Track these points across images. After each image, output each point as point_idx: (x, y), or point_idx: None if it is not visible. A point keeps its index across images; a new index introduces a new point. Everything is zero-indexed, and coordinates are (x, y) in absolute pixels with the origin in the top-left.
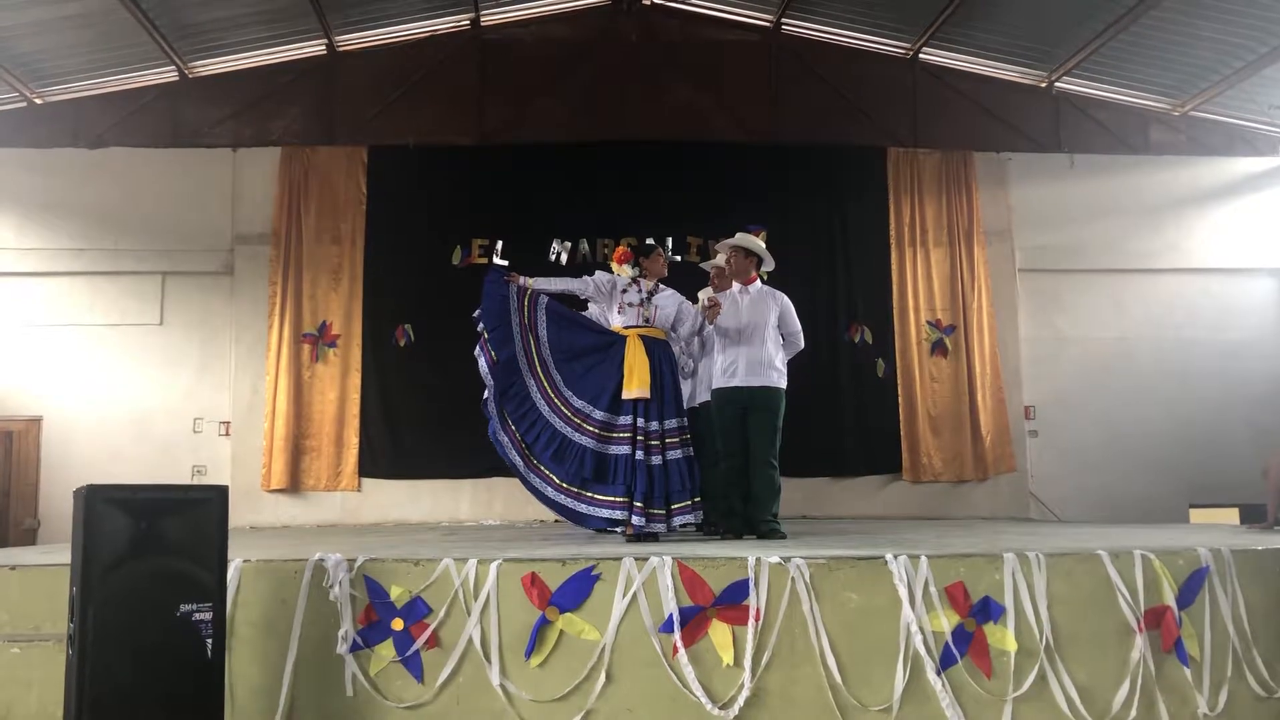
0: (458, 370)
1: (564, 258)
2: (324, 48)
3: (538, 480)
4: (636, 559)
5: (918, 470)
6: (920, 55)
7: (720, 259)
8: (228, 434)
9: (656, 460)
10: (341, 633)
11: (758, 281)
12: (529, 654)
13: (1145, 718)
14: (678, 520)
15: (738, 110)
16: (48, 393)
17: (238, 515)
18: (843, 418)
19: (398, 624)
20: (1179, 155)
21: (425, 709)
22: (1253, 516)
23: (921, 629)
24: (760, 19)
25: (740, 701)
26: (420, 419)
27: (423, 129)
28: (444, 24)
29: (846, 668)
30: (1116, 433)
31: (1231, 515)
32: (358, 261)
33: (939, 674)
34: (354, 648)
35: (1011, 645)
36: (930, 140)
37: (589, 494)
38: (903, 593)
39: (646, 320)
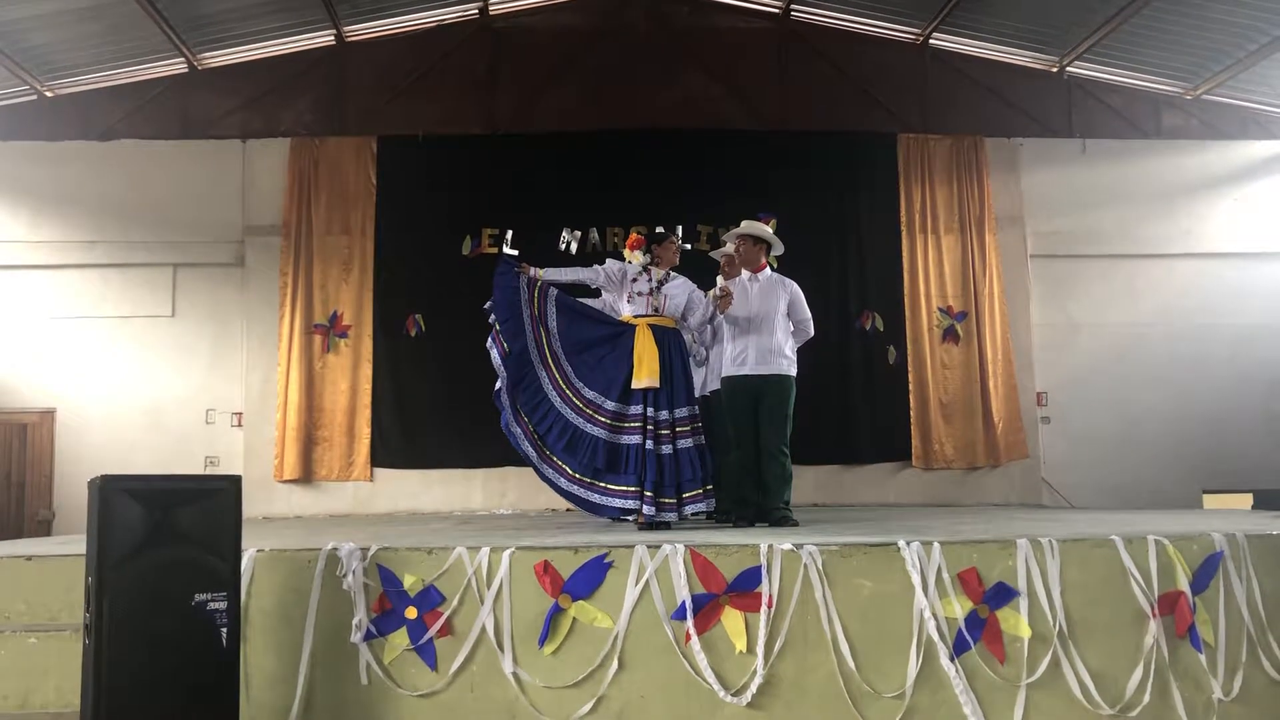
0: (469, 360)
1: (574, 246)
2: (333, 38)
3: (551, 471)
4: (649, 547)
5: (929, 457)
6: (931, 40)
7: (729, 247)
8: (240, 425)
9: (667, 449)
10: (355, 621)
11: (767, 269)
12: (542, 642)
13: (1159, 703)
14: (689, 509)
15: (747, 98)
16: (61, 385)
17: (250, 506)
18: (854, 405)
19: (411, 612)
20: (1191, 139)
21: (439, 697)
22: (1266, 502)
23: (935, 615)
24: (770, 6)
25: (753, 688)
26: (432, 409)
27: (432, 119)
28: (452, 13)
29: (859, 654)
30: (1129, 418)
31: (1245, 501)
32: (368, 252)
33: (952, 660)
34: (368, 636)
35: (1025, 631)
36: (941, 126)
37: (602, 484)
38: (915, 579)
39: (656, 309)
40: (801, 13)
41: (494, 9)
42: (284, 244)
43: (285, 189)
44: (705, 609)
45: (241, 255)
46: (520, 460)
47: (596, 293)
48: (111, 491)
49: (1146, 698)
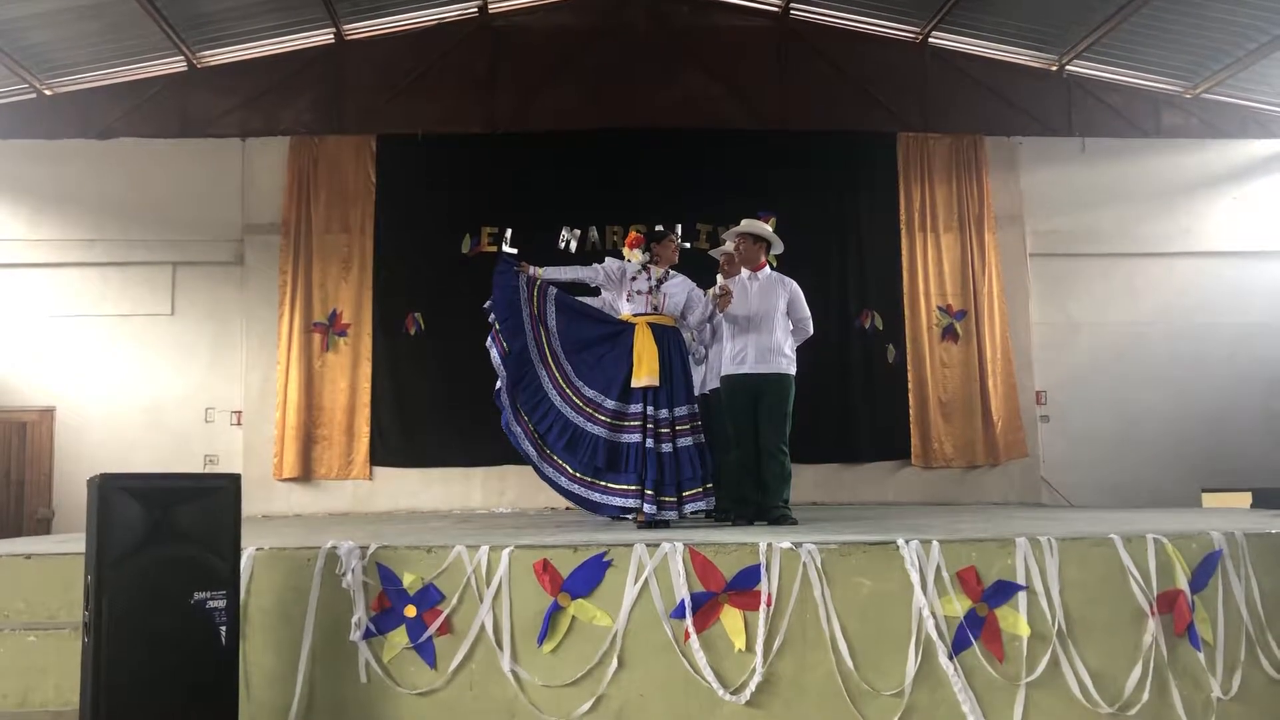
0: (468, 358)
1: (573, 245)
2: (332, 36)
3: (551, 470)
4: (648, 545)
5: (929, 456)
6: (930, 39)
7: (729, 246)
8: (239, 423)
9: (667, 448)
10: (355, 620)
11: (767, 268)
12: (541, 640)
13: (1158, 702)
14: (689, 507)
15: (747, 97)
16: (60, 383)
17: (250, 504)
18: (853, 404)
19: (410, 611)
20: (1191, 138)
21: (438, 695)
22: (1265, 501)
23: (934, 614)
24: (769, 5)
25: (752, 687)
26: (431, 407)
27: (431, 117)
28: (451, 12)
29: (858, 653)
30: (1128, 417)
31: (1244, 499)
32: (367, 250)
33: (951, 659)
34: (367, 635)
35: (1024, 630)
36: (941, 125)
37: (602, 483)
38: (915, 578)
39: (655, 308)
40: (801, 12)
41: (493, 8)
42: (283, 242)
43: (285, 187)
44: (704, 607)
45: (241, 254)
46: (519, 459)
47: (596, 291)
48: (111, 490)
49: (1145, 696)
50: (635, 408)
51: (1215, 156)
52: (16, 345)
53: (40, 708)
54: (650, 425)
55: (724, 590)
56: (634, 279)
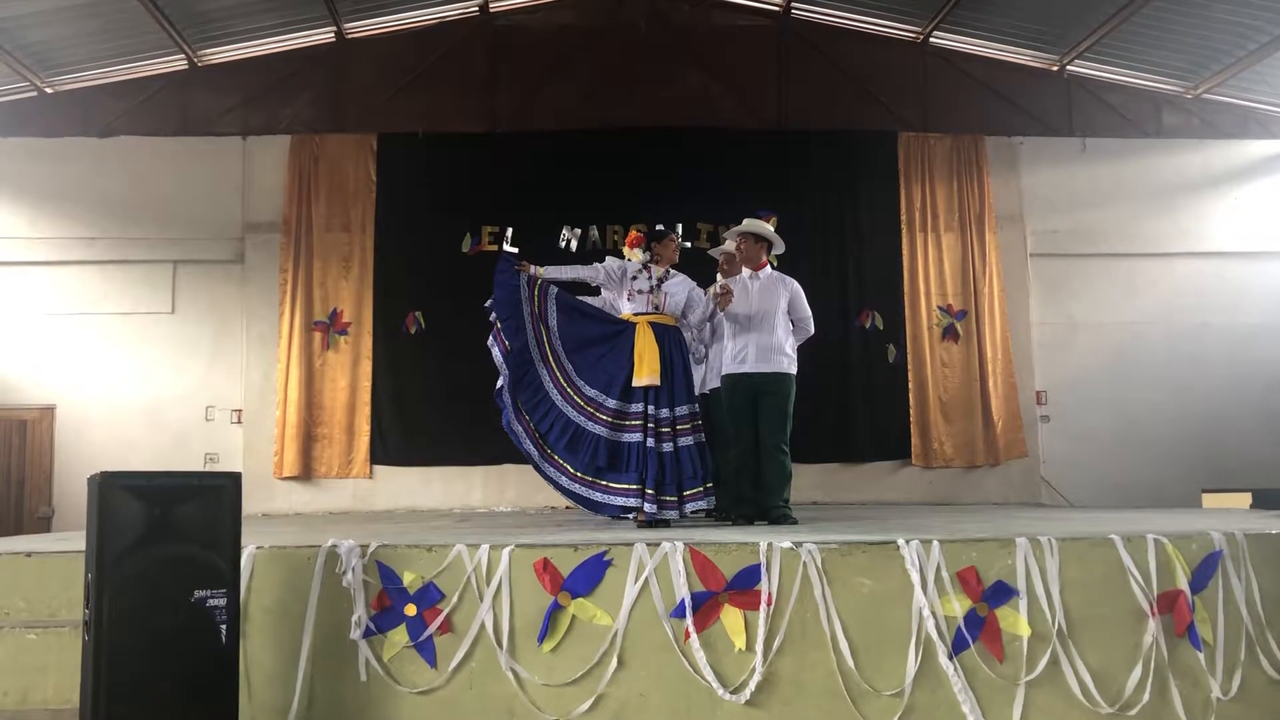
0: (468, 357)
1: (574, 244)
2: (333, 35)
3: (552, 470)
4: (648, 544)
5: (929, 456)
6: (931, 39)
7: (730, 245)
8: (240, 422)
9: (668, 447)
10: (355, 618)
11: (768, 267)
12: (541, 639)
13: (1158, 702)
14: (690, 506)
15: (747, 96)
16: (61, 381)
17: (250, 503)
18: (854, 404)
19: (410, 610)
20: (1191, 138)
21: (438, 694)
22: (1265, 501)
23: (934, 613)
24: (770, 4)
25: (752, 686)
26: (431, 406)
27: (432, 116)
28: (453, 11)
29: (858, 652)
30: (1128, 417)
31: (1244, 500)
32: (368, 249)
33: (951, 659)
34: (367, 633)
35: (1024, 629)
36: (941, 124)
37: (603, 482)
38: (915, 577)
39: (656, 307)
40: (802, 11)
41: (494, 7)
42: (284, 241)
43: (285, 186)
44: (704, 607)
45: (241, 252)
46: (520, 457)
47: (596, 291)
48: (111, 488)
49: (1145, 696)
50: (636, 407)
51: (1215, 156)
52: (17, 343)
53: (40, 706)
54: (651, 424)
55: (724, 590)
56: (634, 278)
